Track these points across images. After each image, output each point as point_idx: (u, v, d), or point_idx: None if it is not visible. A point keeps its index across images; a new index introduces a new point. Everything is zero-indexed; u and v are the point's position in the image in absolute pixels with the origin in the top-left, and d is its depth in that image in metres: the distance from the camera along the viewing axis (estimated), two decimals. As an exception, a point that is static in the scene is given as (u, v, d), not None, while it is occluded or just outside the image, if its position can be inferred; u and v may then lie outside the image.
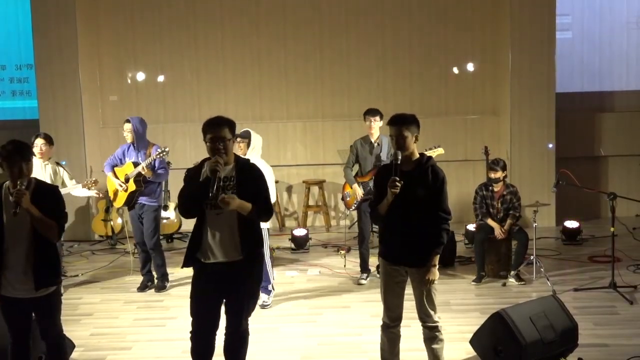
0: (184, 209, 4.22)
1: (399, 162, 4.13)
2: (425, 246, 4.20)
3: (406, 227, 4.18)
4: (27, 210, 3.93)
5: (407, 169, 4.17)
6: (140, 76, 10.20)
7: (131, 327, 5.99)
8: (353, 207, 7.04)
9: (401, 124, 4.19)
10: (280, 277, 7.41)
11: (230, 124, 4.16)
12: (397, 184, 4.05)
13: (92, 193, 6.91)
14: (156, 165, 6.77)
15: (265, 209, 4.24)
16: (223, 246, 4.13)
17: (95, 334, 5.80)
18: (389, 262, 4.31)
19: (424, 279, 4.21)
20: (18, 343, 4.21)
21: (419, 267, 4.23)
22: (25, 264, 4.06)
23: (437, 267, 4.25)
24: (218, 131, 4.06)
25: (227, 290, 4.20)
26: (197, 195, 4.08)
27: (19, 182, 3.94)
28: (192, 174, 4.21)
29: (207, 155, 4.19)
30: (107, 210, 9.23)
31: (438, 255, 4.23)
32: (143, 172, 6.62)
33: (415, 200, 4.15)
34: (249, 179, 4.17)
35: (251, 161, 4.42)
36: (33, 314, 4.25)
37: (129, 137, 6.83)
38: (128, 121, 6.84)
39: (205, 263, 4.19)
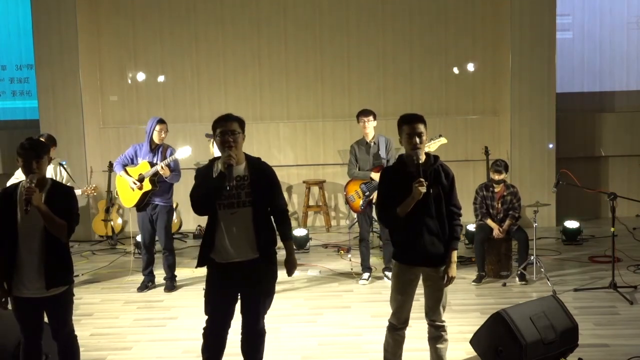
0: (199, 207, 4.16)
1: (420, 161, 4.11)
2: (442, 245, 4.20)
3: (422, 228, 4.16)
4: (36, 208, 3.93)
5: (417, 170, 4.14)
6: (140, 76, 10.20)
7: (131, 327, 5.99)
8: (362, 208, 6.97)
9: (418, 120, 4.17)
10: (280, 277, 7.38)
11: (240, 120, 4.25)
12: (424, 183, 4.04)
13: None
14: (171, 166, 6.73)
15: (282, 209, 4.33)
16: (238, 246, 4.13)
17: (95, 334, 5.79)
18: (405, 264, 4.27)
19: (441, 278, 4.21)
20: (30, 343, 4.18)
21: (437, 266, 4.22)
22: (38, 262, 4.06)
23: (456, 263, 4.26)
24: (227, 125, 4.15)
25: (243, 289, 4.22)
26: (211, 192, 4.07)
27: (28, 180, 3.96)
28: (203, 172, 4.20)
29: (208, 156, 4.19)
30: (107, 211, 9.23)
31: (456, 251, 4.25)
32: (161, 172, 6.60)
33: (430, 200, 4.14)
34: (262, 177, 4.19)
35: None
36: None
37: (161, 137, 6.75)
38: (163, 121, 6.79)
39: (220, 263, 4.17)
